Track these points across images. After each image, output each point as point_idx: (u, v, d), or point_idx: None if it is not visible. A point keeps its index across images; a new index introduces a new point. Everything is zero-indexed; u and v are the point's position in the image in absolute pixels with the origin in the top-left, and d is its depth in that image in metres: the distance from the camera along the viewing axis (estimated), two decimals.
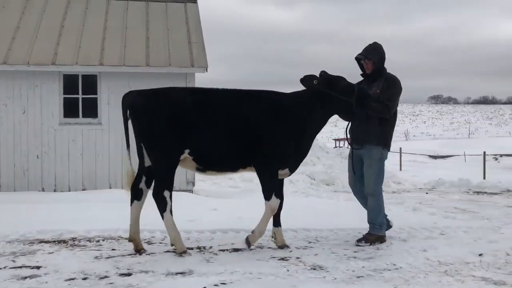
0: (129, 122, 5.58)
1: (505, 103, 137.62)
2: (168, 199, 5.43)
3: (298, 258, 5.33)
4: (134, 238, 5.64)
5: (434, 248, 5.61)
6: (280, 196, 5.81)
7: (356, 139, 6.12)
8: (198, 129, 5.44)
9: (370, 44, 6.13)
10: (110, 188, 9.58)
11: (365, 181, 6.13)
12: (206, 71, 9.49)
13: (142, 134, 5.46)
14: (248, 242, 5.68)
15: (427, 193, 11.99)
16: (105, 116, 9.64)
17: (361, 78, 6.19)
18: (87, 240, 6.19)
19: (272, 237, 5.91)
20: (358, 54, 6.10)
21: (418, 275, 4.67)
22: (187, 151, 5.49)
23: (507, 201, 10.09)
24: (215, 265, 5.04)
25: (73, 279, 4.61)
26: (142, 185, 5.68)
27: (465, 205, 9.28)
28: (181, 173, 9.71)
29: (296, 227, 6.76)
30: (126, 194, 5.70)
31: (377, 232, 6.07)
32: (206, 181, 12.18)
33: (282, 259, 5.30)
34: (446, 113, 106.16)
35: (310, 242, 6.12)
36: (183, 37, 10.02)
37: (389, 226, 6.38)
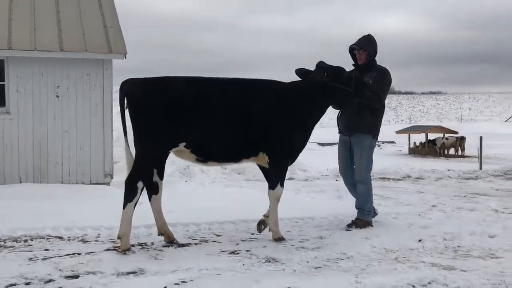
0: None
1: None
2: (139, 191, 5.23)
3: (248, 251, 5.26)
4: (164, 231, 5.57)
5: (375, 236, 5.77)
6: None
7: (348, 127, 6.26)
8: (197, 121, 5.25)
9: (365, 36, 6.25)
10: (20, 182, 8.85)
11: (356, 168, 6.30)
12: (125, 58, 9.04)
13: (136, 122, 5.22)
14: (278, 238, 5.64)
15: (336, 180, 12.34)
16: (14, 104, 8.82)
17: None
18: (13, 241, 5.68)
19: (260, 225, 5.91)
20: (353, 44, 6.22)
21: (372, 263, 4.78)
22: (182, 144, 5.28)
23: (415, 187, 10.65)
24: (165, 263, 4.84)
25: (14, 284, 4.23)
26: (155, 178, 5.53)
27: (380, 191, 9.59)
28: (99, 165, 9.24)
29: (234, 218, 6.67)
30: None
31: (365, 217, 6.28)
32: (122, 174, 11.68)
33: (233, 252, 5.20)
34: None
35: (253, 233, 6.05)
36: (98, 21, 9.42)
37: (374, 213, 6.55)
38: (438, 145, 37.30)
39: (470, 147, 28.96)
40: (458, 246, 5.36)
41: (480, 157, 18.30)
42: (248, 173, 13.61)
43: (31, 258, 4.97)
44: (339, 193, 8.88)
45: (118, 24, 9.49)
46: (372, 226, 6.26)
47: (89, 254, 5.13)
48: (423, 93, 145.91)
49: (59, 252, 5.19)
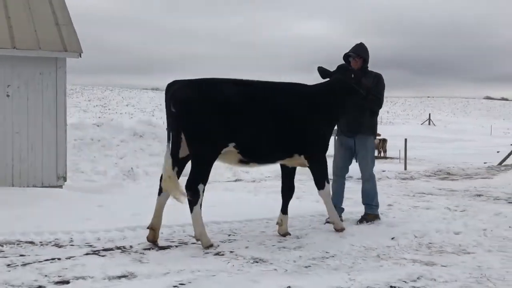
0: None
1: None
2: (201, 193, 5.33)
3: (231, 252, 5.27)
4: (155, 227, 5.56)
5: (350, 235, 5.93)
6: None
7: (351, 129, 6.63)
8: (247, 122, 5.44)
9: (359, 44, 6.64)
10: None
11: (362, 168, 6.75)
12: (80, 57, 8.75)
13: (188, 125, 5.31)
14: (339, 229, 6.04)
15: (268, 176, 12.54)
16: None
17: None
18: None
19: (277, 223, 6.11)
20: (350, 52, 6.56)
21: (357, 261, 4.92)
22: (232, 144, 5.43)
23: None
24: (153, 265, 4.78)
25: None
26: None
27: None
28: (51, 167, 8.89)
29: (205, 220, 6.60)
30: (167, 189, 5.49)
31: (374, 211, 6.76)
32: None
33: (217, 254, 5.20)
34: None
35: (230, 235, 6.07)
36: (49, 18, 9.03)
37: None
38: None
39: (391, 149, 30.28)
40: (430, 243, 5.62)
41: (405, 158, 19.16)
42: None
43: (9, 265, 4.77)
44: (297, 194, 9.02)
45: (70, 22, 9.17)
46: (379, 219, 6.73)
47: (69, 259, 4.99)
48: None
49: (37, 258, 5.00)
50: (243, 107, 5.44)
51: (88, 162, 13.07)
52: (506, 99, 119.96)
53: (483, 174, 14.78)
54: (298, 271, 4.65)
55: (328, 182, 6.06)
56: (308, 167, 5.98)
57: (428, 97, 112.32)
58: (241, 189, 10.35)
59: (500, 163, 20.29)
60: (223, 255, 5.17)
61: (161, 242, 5.65)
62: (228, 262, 4.88)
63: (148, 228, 5.57)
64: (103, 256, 5.13)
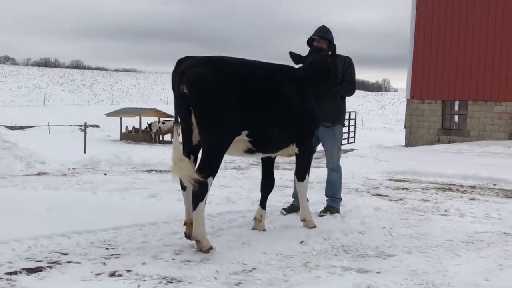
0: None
1: (68, 66, 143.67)
2: (209, 186, 5.25)
3: (129, 271, 4.74)
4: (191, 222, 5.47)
5: (256, 241, 5.74)
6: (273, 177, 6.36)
7: (325, 117, 6.71)
8: (261, 107, 5.49)
9: (321, 27, 6.90)
10: None
11: (329, 157, 7.17)
12: None
13: (202, 110, 5.17)
14: (311, 227, 6.30)
15: (105, 174, 11.80)
16: None
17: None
18: None
19: (255, 219, 6.32)
20: (314, 35, 6.73)
21: (288, 273, 4.81)
22: (245, 132, 5.43)
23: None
24: None
25: None
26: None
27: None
28: None
29: (61, 231, 5.81)
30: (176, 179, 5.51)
31: (337, 205, 7.21)
32: None
33: (113, 274, 4.65)
34: (10, 75, 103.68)
35: (108, 248, 5.41)
36: None
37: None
38: (154, 130, 38.65)
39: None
40: (343, 246, 5.76)
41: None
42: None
43: None
44: (149, 191, 8.56)
45: None
46: (340, 213, 7.12)
47: None
48: (116, 70, 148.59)
49: None
50: (259, 91, 5.49)
51: None
52: None
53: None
54: None
55: (309, 175, 6.34)
56: (296, 156, 6.20)
57: None
58: (69, 185, 9.36)
59: None
60: (121, 275, 4.63)
61: (23, 263, 4.88)
62: (138, 285, 4.38)
63: (184, 224, 5.65)
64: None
